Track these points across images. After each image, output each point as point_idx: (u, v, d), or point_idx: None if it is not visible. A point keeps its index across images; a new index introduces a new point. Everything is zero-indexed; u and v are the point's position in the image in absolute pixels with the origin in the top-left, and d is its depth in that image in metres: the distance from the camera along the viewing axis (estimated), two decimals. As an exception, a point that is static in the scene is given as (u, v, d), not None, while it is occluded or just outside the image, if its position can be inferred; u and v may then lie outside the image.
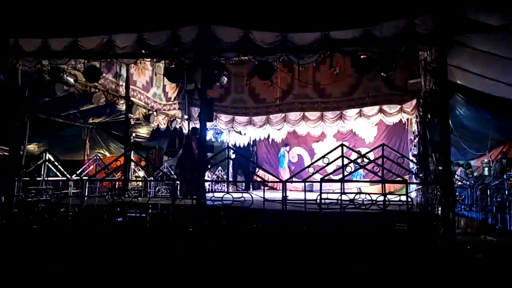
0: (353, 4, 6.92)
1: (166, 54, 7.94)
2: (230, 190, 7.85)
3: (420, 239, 6.54)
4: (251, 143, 16.07)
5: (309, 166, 7.53)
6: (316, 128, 13.46)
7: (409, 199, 6.69)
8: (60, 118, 12.22)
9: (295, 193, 7.45)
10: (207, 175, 10.15)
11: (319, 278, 5.72)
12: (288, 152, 15.54)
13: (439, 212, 6.95)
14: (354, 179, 8.10)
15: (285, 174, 14.26)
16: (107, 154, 15.34)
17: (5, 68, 8.32)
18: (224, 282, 5.68)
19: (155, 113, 12.00)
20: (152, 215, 8.08)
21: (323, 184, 7.02)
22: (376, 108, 11.60)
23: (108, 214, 8.02)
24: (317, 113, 12.31)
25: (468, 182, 11.61)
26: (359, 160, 8.58)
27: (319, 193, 6.89)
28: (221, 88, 12.62)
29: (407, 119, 11.79)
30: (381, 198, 6.66)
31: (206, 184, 9.37)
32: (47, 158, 8.59)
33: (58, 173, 8.77)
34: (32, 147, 13.54)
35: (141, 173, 12.02)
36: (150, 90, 12.03)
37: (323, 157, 7.51)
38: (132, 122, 11.48)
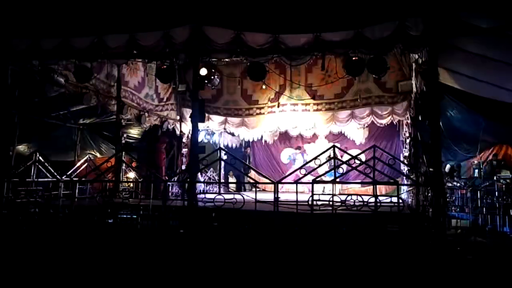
0: (345, 5, 6.94)
1: (158, 55, 7.92)
2: (222, 191, 7.82)
3: (411, 241, 6.57)
4: (244, 144, 16.07)
5: (301, 168, 7.52)
6: (308, 130, 13.47)
7: (400, 201, 6.71)
8: (51, 118, 12.12)
9: (288, 194, 7.44)
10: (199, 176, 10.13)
11: (310, 278, 5.73)
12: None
13: (430, 213, 6.99)
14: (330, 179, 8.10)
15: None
16: (98, 155, 15.24)
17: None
18: (215, 283, 5.67)
19: (146, 114, 11.93)
20: (144, 216, 8.04)
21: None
22: (368, 109, 11.64)
23: (99, 215, 7.96)
24: (310, 115, 12.31)
25: (458, 184, 11.68)
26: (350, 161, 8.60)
27: (310, 195, 6.91)
28: (213, 89, 12.64)
29: (398, 121, 11.84)
30: (372, 199, 6.68)
31: (198, 185, 9.33)
32: (37, 159, 8.52)
33: (48, 174, 8.70)
34: (22, 148, 13.41)
35: (132, 174, 11.95)
36: (142, 91, 11.96)
37: (315, 158, 7.53)
38: (123, 123, 11.41)
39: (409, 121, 10.39)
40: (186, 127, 13.32)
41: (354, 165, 7.64)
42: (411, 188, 8.53)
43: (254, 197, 7.18)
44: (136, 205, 7.94)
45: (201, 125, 9.59)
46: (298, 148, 15.54)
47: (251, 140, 15.44)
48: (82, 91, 9.52)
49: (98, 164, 9.72)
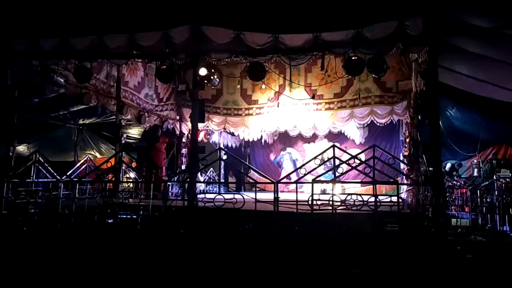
0: (345, 5, 6.93)
1: (158, 55, 7.91)
2: (222, 191, 7.82)
3: (411, 240, 6.57)
4: (244, 144, 16.06)
5: (300, 167, 7.53)
6: (308, 130, 13.47)
7: (400, 200, 6.72)
8: (50, 119, 12.13)
9: (288, 194, 7.45)
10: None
11: (310, 279, 5.73)
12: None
13: (430, 212, 6.99)
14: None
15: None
16: (98, 155, 15.25)
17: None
18: (215, 284, 5.67)
19: (146, 114, 11.93)
20: (143, 216, 8.05)
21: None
22: (367, 109, 11.65)
23: (99, 215, 7.97)
24: (309, 114, 12.31)
25: (458, 183, 11.69)
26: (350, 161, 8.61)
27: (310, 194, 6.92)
28: (213, 89, 12.65)
29: (398, 120, 11.84)
30: (372, 199, 6.69)
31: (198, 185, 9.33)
32: (37, 159, 8.51)
33: (48, 175, 8.70)
34: (22, 148, 13.42)
35: (132, 175, 11.96)
36: (142, 91, 11.95)
37: (315, 158, 7.54)
38: (123, 123, 11.39)
39: (408, 121, 10.40)
40: (186, 127, 13.32)
41: (353, 165, 7.65)
42: (411, 188, 8.53)
43: (254, 197, 7.19)
44: (136, 205, 7.94)
45: (201, 125, 9.59)
46: (284, 149, 15.56)
47: (251, 140, 15.43)
48: (82, 91, 9.53)
49: (98, 164, 9.72)
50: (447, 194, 10.50)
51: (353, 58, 7.33)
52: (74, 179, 8.51)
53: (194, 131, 7.99)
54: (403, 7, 6.75)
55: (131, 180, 11.72)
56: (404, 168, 10.40)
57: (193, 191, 7.55)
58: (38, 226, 8.11)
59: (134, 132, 14.25)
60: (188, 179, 7.78)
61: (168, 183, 9.08)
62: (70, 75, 8.66)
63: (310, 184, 7.14)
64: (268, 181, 7.85)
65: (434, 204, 6.51)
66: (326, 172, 7.94)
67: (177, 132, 13.54)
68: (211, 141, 15.08)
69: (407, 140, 10.37)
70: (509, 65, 7.30)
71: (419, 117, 9.17)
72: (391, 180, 8.53)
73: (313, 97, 11.52)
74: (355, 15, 6.93)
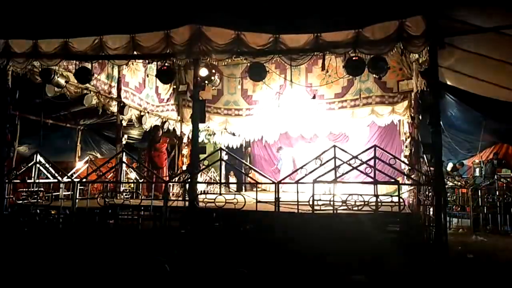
0: (345, 5, 6.92)
1: (158, 56, 7.90)
2: (223, 192, 7.82)
3: (412, 240, 6.57)
4: (244, 144, 16.06)
5: (301, 167, 7.52)
6: (309, 130, 13.47)
7: (401, 200, 6.71)
8: (51, 119, 12.13)
9: (288, 194, 7.45)
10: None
11: (311, 277, 5.73)
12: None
13: (431, 212, 6.99)
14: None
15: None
16: (99, 155, 15.26)
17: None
18: (216, 284, 5.68)
19: (147, 114, 11.94)
20: (144, 217, 8.05)
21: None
22: (368, 109, 11.65)
23: (100, 216, 7.97)
24: (310, 114, 12.31)
25: (459, 183, 11.68)
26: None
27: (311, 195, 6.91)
28: (213, 90, 12.67)
29: (399, 120, 11.84)
30: (373, 199, 6.68)
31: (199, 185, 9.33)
32: (38, 160, 8.52)
33: (49, 175, 8.70)
34: (23, 148, 13.43)
35: (133, 175, 11.97)
36: (142, 91, 11.98)
37: (316, 158, 7.52)
38: (124, 124, 11.41)
39: (409, 121, 10.39)
40: (187, 128, 13.33)
41: (354, 165, 7.63)
42: (411, 188, 8.53)
43: (255, 198, 7.19)
44: (137, 205, 7.94)
45: (201, 125, 9.60)
46: (280, 149, 15.56)
47: (251, 140, 15.44)
48: (82, 92, 9.54)
49: (99, 165, 9.73)
50: (448, 194, 10.51)
51: (353, 58, 7.32)
52: (75, 180, 8.51)
53: (195, 131, 8.00)
54: (403, 7, 6.74)
55: (132, 180, 11.74)
56: (405, 168, 10.41)
57: (194, 191, 7.55)
58: (39, 226, 8.12)
59: (135, 132, 14.25)
60: (189, 180, 7.78)
61: (169, 183, 9.07)
62: (71, 75, 8.67)
63: (310, 185, 7.13)
64: (269, 181, 7.84)
65: (435, 204, 6.51)
66: (330, 170, 7.92)
67: (178, 133, 13.56)
68: (211, 142, 15.09)
69: (408, 140, 10.37)
70: (510, 65, 7.28)
71: (420, 117, 9.17)
72: (392, 180, 8.52)
73: (314, 97, 11.52)
74: (355, 15, 6.92)
